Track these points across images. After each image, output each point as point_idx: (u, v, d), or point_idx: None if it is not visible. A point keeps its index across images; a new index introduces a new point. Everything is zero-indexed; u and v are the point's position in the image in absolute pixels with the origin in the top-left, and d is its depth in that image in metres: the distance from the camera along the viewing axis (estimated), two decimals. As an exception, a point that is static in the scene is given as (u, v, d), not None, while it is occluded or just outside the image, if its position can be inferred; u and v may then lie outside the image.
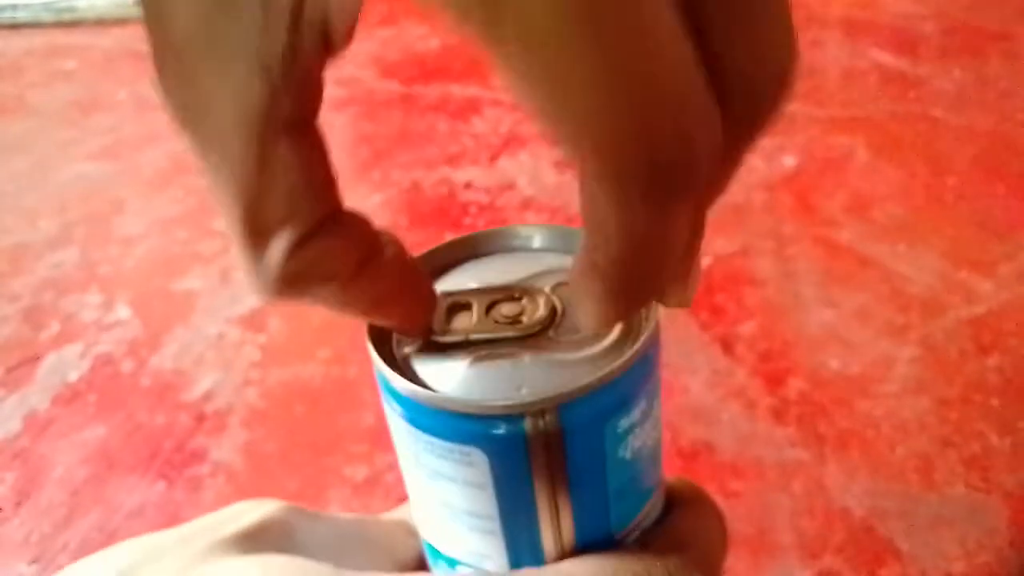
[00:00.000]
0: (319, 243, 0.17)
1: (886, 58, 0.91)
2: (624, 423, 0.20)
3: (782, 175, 0.72)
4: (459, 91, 0.90)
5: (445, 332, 0.21)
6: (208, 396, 0.55)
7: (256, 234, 0.17)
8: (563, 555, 0.22)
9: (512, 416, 0.19)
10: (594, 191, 0.14)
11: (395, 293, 0.20)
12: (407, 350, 0.22)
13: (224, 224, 0.17)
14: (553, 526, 0.21)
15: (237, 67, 0.15)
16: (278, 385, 0.55)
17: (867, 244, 0.64)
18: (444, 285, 0.23)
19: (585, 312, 0.17)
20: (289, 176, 0.16)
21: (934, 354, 0.54)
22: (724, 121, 0.14)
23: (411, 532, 0.26)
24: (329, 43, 0.15)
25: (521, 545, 0.21)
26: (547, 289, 0.22)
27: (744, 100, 0.15)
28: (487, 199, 0.72)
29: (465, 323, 0.22)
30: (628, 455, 0.21)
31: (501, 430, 0.19)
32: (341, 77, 1.02)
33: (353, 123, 0.90)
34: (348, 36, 0.15)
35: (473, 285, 0.23)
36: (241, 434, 0.52)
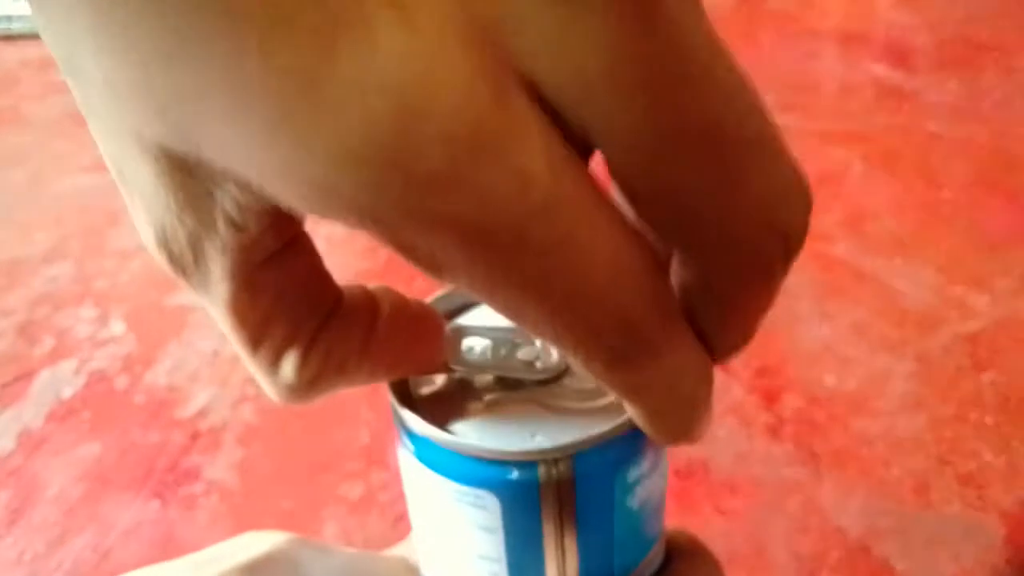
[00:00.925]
0: (323, 341, 0.18)
1: (881, 71, 0.91)
2: (634, 473, 0.21)
3: (778, 189, 0.72)
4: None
5: (461, 364, 0.22)
6: (202, 413, 0.54)
7: (265, 357, 0.18)
8: None
9: (527, 463, 0.19)
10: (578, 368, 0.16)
11: (407, 344, 0.20)
12: (424, 392, 0.22)
13: (236, 350, 0.18)
14: (559, 572, 0.21)
15: (215, 228, 0.16)
16: (273, 402, 0.55)
17: (863, 258, 0.64)
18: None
19: (654, 439, 0.18)
20: (282, 298, 0.17)
21: (930, 370, 0.54)
22: (735, 279, 0.16)
23: (412, 569, 0.26)
24: None
25: None
26: None
27: (750, 264, 0.16)
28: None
29: (481, 359, 0.22)
30: (635, 505, 0.21)
31: (515, 476, 0.20)
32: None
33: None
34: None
35: (490, 333, 0.23)
36: (236, 452, 0.52)
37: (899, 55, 0.94)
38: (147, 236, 0.17)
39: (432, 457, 0.20)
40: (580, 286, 0.14)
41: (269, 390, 0.19)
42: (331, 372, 0.19)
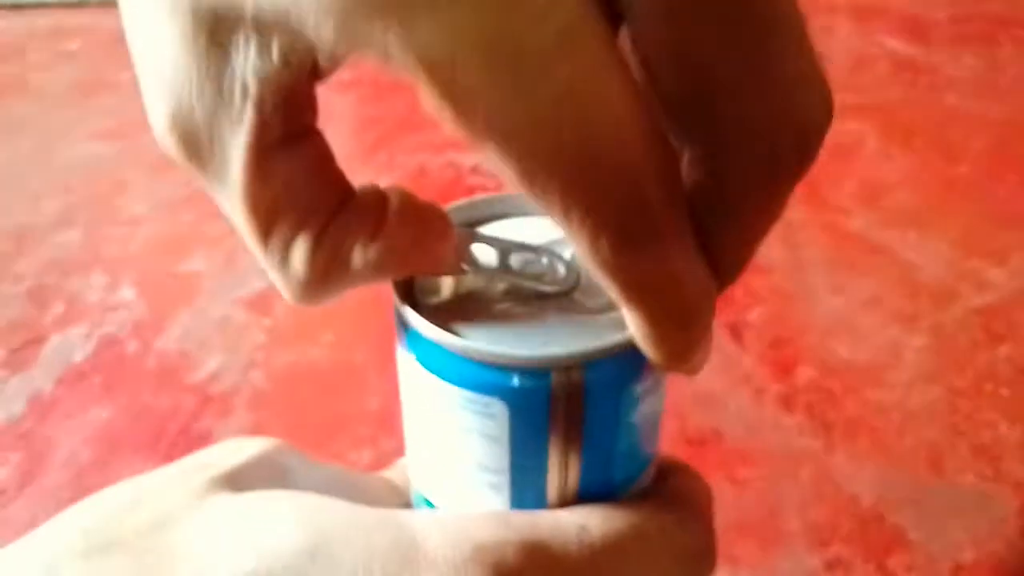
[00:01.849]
0: (333, 234, 0.18)
1: (897, 45, 0.90)
2: (639, 388, 0.21)
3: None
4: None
5: (471, 265, 0.21)
6: (213, 378, 0.54)
7: (276, 247, 0.18)
8: None
9: (539, 370, 0.19)
10: (584, 259, 0.15)
11: (416, 238, 0.20)
12: (431, 300, 0.22)
13: (248, 245, 0.18)
14: (560, 484, 0.21)
15: (232, 100, 0.16)
16: (283, 368, 0.55)
17: (877, 232, 0.63)
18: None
19: (652, 356, 0.18)
20: (292, 186, 0.17)
21: (944, 343, 0.53)
22: (741, 175, 0.16)
23: (396, 490, 0.26)
24: (317, 72, 0.16)
25: (525, 501, 0.21)
26: (567, 255, 0.22)
27: (765, 158, 0.16)
28: (493, 183, 0.71)
29: (491, 266, 0.22)
30: (636, 420, 0.21)
31: (527, 383, 0.19)
32: (347, 60, 1.01)
33: (359, 106, 0.89)
34: (335, 67, 0.16)
35: (500, 247, 0.23)
36: (246, 417, 0.51)
37: (915, 29, 0.93)
38: (159, 116, 0.17)
39: (439, 363, 0.20)
40: (592, 137, 0.13)
41: (282, 286, 0.19)
42: (340, 265, 0.18)
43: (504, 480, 0.21)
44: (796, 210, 0.66)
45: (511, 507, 0.22)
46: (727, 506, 0.44)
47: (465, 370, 0.19)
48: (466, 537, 0.19)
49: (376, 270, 0.19)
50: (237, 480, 0.22)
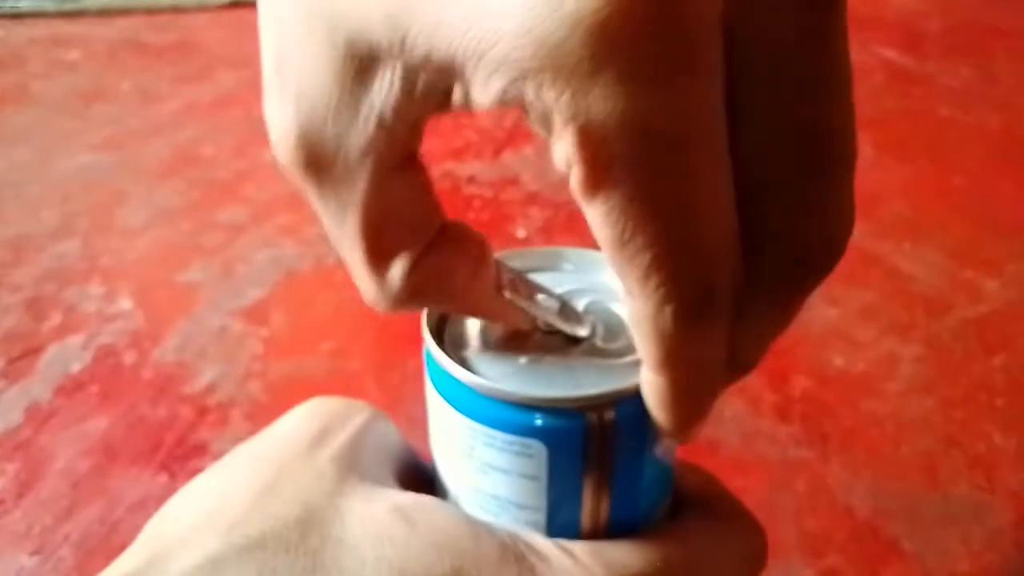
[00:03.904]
0: (433, 259, 0.19)
1: (892, 55, 0.91)
2: None
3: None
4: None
5: (512, 303, 0.23)
6: (210, 389, 0.54)
7: (378, 259, 0.19)
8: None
9: (575, 410, 0.20)
10: (640, 319, 0.17)
11: (473, 271, 0.21)
12: (461, 349, 0.23)
13: (345, 255, 0.20)
14: (592, 517, 0.22)
15: (367, 126, 0.17)
16: (281, 378, 0.55)
17: (872, 242, 0.64)
18: None
19: (661, 417, 0.20)
20: (404, 205, 0.19)
21: (939, 353, 0.53)
22: (772, 277, 0.18)
23: None
24: (447, 105, 0.17)
25: (558, 535, 0.22)
26: (582, 305, 0.24)
27: (795, 264, 0.18)
28: (490, 193, 0.71)
29: (526, 304, 0.23)
30: (659, 453, 0.23)
31: (564, 423, 0.20)
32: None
33: (357, 116, 0.90)
34: (469, 108, 0.17)
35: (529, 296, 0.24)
36: (243, 427, 0.52)
37: (910, 39, 0.93)
38: (286, 124, 0.18)
39: (479, 409, 0.21)
40: (699, 220, 0.15)
41: (370, 294, 0.20)
42: (434, 287, 0.20)
43: (541, 517, 0.22)
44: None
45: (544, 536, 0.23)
46: (723, 517, 0.44)
47: (504, 413, 0.21)
48: (582, 572, 0.21)
49: (463, 304, 0.21)
50: (358, 458, 0.23)
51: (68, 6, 1.23)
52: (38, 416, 0.54)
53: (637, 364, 0.21)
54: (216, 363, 0.57)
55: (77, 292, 0.65)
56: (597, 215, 0.15)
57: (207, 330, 0.60)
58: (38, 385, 0.56)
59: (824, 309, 0.58)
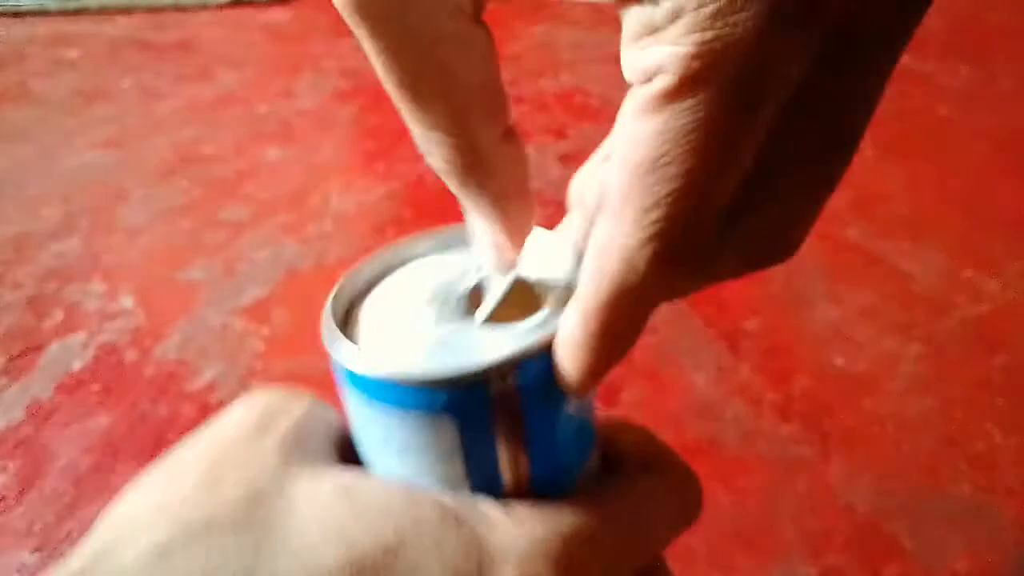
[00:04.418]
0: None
1: (893, 55, 0.91)
2: None
3: (788, 171, 0.72)
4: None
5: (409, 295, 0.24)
6: (211, 387, 0.54)
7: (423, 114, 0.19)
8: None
9: (477, 381, 0.20)
10: (611, 248, 0.17)
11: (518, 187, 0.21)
12: (362, 330, 0.24)
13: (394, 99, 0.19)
14: (514, 480, 0.23)
15: None
16: (281, 376, 0.55)
17: (873, 242, 0.64)
18: (397, 281, 0.25)
19: (570, 363, 0.20)
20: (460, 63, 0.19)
21: (939, 353, 0.54)
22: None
23: None
24: None
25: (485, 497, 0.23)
26: (470, 280, 0.24)
27: (743, 259, 0.19)
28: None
29: (420, 312, 0.24)
30: (572, 410, 0.23)
31: (469, 395, 0.21)
32: (346, 69, 1.01)
33: (358, 115, 0.90)
34: None
35: (423, 281, 0.25)
36: (244, 425, 0.52)
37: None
38: None
39: (385, 393, 0.21)
40: (724, 167, 0.16)
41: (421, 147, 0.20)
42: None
43: (463, 486, 0.22)
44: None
45: None
46: (723, 515, 0.45)
47: (408, 394, 0.21)
48: (526, 533, 0.21)
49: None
50: (301, 442, 0.23)
51: (69, 5, 1.23)
52: (40, 414, 0.54)
53: (541, 326, 0.22)
54: (217, 361, 0.57)
55: (78, 290, 0.65)
56: (649, 130, 0.16)
57: (208, 328, 0.60)
58: (39, 383, 0.56)
59: (825, 309, 0.58)
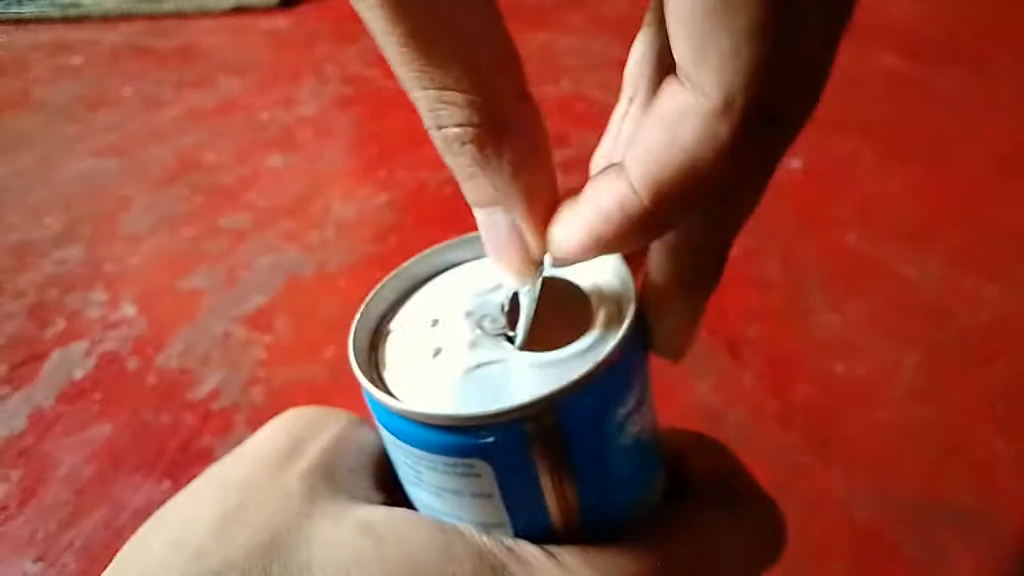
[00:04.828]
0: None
1: (892, 61, 0.91)
2: (621, 411, 0.20)
3: (789, 178, 0.72)
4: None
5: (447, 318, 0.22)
6: (214, 395, 0.55)
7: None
8: (576, 544, 0.21)
9: (511, 423, 0.19)
10: (689, 113, 0.16)
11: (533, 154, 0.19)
12: (393, 370, 0.22)
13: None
14: (563, 521, 0.21)
15: None
16: (284, 384, 0.55)
17: (874, 248, 0.64)
18: (423, 300, 0.24)
19: (670, 323, 0.20)
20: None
21: (940, 360, 0.54)
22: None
23: None
24: None
25: (532, 540, 0.21)
26: (507, 301, 0.22)
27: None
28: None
29: (451, 336, 0.22)
30: (629, 441, 0.21)
31: (501, 438, 0.19)
32: (348, 76, 1.01)
33: (360, 122, 0.90)
34: None
35: (454, 299, 0.23)
36: (246, 433, 0.51)
37: (910, 46, 0.93)
38: None
39: (415, 435, 0.20)
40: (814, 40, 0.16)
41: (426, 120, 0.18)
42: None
43: (507, 532, 0.21)
44: (793, 227, 0.66)
45: None
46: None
47: (438, 437, 0.19)
48: None
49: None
50: (331, 470, 0.22)
51: (71, 12, 1.23)
52: (41, 422, 0.54)
53: (582, 354, 0.20)
54: (219, 369, 0.57)
55: (80, 298, 0.65)
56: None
57: (210, 336, 0.60)
58: (41, 391, 0.56)
59: (826, 316, 0.58)
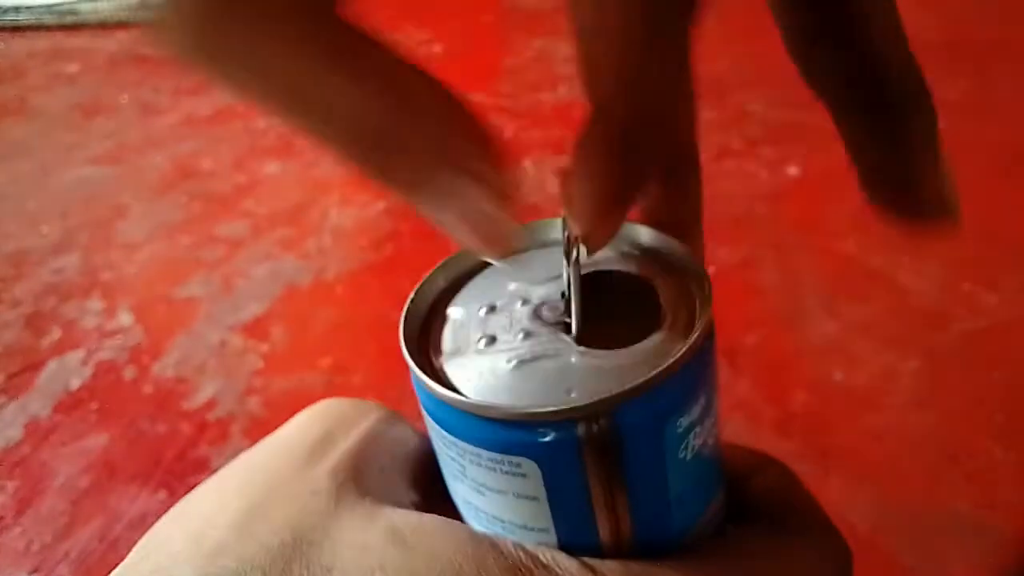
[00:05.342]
0: None
1: (890, 67, 0.91)
2: (684, 422, 0.19)
3: (785, 185, 0.72)
4: (462, 98, 0.90)
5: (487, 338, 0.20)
6: (210, 404, 0.54)
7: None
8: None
9: (563, 422, 0.17)
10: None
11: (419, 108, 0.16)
12: (445, 355, 0.21)
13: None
14: (612, 534, 0.19)
15: None
16: (280, 394, 0.55)
17: (871, 255, 0.64)
18: (479, 286, 0.22)
19: (581, 198, 0.17)
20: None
21: (938, 367, 0.53)
22: None
23: None
24: None
25: (577, 552, 0.20)
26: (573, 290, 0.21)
27: None
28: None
29: (506, 325, 0.21)
30: (689, 456, 0.20)
31: (552, 438, 0.18)
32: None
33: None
34: None
35: (512, 286, 0.22)
36: (243, 443, 0.52)
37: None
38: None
39: (459, 427, 0.19)
40: None
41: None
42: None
43: (551, 537, 0.20)
44: (790, 234, 0.66)
45: None
46: (723, 533, 0.44)
47: (484, 431, 0.18)
48: None
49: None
50: (362, 468, 0.21)
51: (67, 19, 1.23)
52: (37, 432, 0.53)
53: (647, 357, 0.19)
54: (216, 378, 0.57)
55: (77, 307, 0.65)
56: None
57: (207, 345, 0.60)
58: (37, 401, 0.56)
59: (823, 323, 0.58)
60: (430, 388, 0.19)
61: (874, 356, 0.55)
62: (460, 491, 0.21)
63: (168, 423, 0.53)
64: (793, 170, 0.73)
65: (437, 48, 1.01)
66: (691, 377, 0.19)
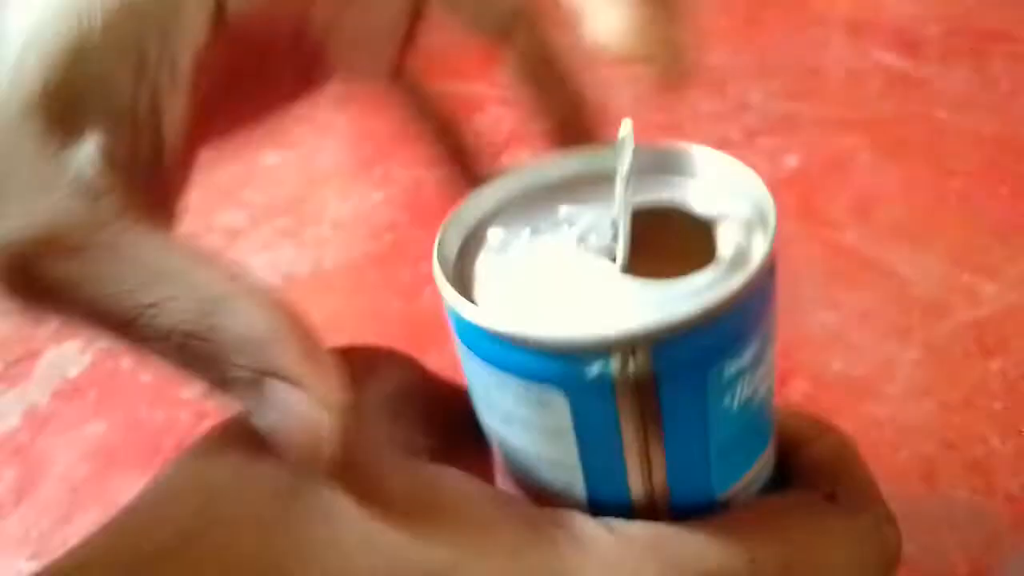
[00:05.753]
0: None
1: (890, 59, 0.91)
2: (731, 368, 0.17)
3: (784, 175, 0.72)
4: (462, 88, 0.89)
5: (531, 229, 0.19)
6: (208, 392, 0.54)
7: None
8: (655, 516, 0.19)
9: (597, 354, 0.16)
10: None
11: None
12: (480, 275, 0.19)
13: None
14: (644, 483, 0.18)
15: None
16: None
17: (870, 246, 0.64)
18: (525, 207, 0.21)
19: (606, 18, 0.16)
20: None
21: (937, 357, 0.53)
22: None
23: None
24: None
25: (605, 499, 0.19)
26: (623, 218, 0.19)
27: None
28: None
29: (549, 249, 0.19)
30: (735, 406, 0.18)
31: (583, 370, 0.16)
32: (343, 73, 1.01)
33: (355, 120, 0.90)
34: None
35: (560, 210, 0.20)
36: (242, 431, 0.51)
37: (908, 43, 0.93)
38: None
39: (488, 350, 0.17)
40: None
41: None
42: None
43: (578, 479, 0.18)
44: (789, 224, 0.66)
45: (588, 506, 0.19)
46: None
47: (513, 356, 0.17)
48: (631, 564, 0.16)
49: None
50: (377, 418, 0.20)
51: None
52: (36, 420, 0.53)
53: (696, 292, 0.17)
54: (214, 367, 0.56)
55: (75, 296, 0.65)
56: None
57: (205, 334, 0.60)
58: (36, 389, 0.56)
59: (822, 313, 0.58)
60: (456, 306, 0.18)
61: (873, 345, 0.55)
62: (491, 423, 0.20)
63: (166, 411, 0.53)
64: (792, 160, 0.73)
65: (436, 39, 1.00)
66: (745, 317, 0.17)
